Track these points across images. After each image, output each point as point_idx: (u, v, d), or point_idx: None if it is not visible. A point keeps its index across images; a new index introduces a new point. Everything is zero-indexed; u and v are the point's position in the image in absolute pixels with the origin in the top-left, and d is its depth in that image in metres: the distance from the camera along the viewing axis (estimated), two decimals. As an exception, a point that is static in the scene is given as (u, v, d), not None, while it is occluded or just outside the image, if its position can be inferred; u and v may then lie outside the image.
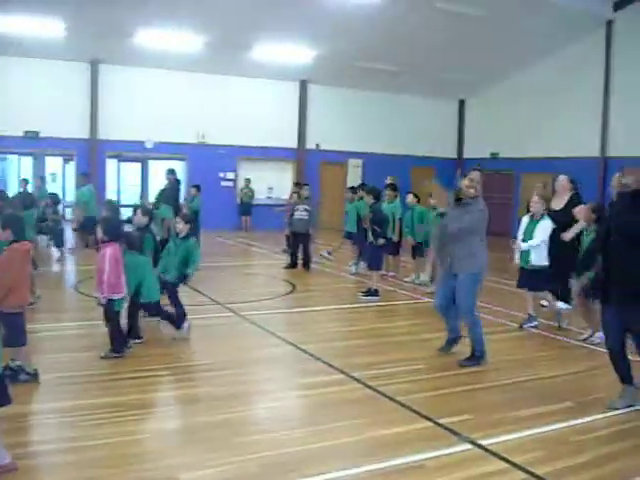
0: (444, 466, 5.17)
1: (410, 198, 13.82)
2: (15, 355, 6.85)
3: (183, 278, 9.05)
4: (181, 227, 9.25)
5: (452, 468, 5.14)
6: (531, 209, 10.01)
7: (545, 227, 9.83)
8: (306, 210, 15.34)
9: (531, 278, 9.89)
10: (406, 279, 13.94)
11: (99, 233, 7.92)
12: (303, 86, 25.81)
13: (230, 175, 25.04)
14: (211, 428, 5.89)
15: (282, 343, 8.85)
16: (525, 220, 10.10)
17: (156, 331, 9.04)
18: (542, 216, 9.93)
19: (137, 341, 8.49)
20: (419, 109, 27.22)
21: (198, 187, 17.51)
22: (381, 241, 12.14)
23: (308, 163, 25.94)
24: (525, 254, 9.89)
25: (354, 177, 25.42)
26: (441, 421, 6.08)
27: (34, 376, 6.90)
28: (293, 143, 25.91)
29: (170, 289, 9.05)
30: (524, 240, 9.88)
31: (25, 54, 21.01)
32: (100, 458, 5.20)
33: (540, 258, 9.77)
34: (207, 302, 11.23)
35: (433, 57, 22.82)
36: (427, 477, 4.99)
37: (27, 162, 25.02)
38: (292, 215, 15.56)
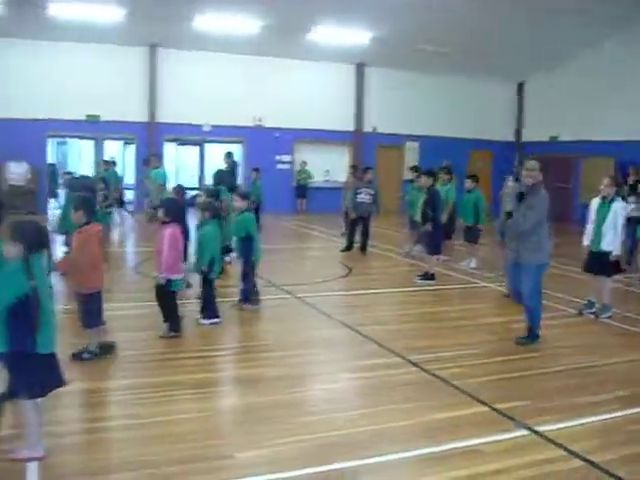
0: (500, 451, 5.16)
1: (468, 183, 13.69)
2: (92, 335, 7.08)
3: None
4: (239, 204, 9.42)
5: (508, 454, 5.13)
6: (602, 192, 9.73)
7: (619, 209, 9.59)
8: (369, 194, 15.32)
9: (598, 263, 9.69)
10: (462, 263, 13.83)
11: (160, 214, 8.06)
12: (360, 69, 25.67)
13: (286, 158, 25.12)
14: (268, 408, 5.98)
15: (339, 325, 8.91)
16: (596, 202, 9.82)
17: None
18: (613, 198, 9.66)
19: (216, 320, 8.69)
20: (477, 91, 26.77)
21: (258, 170, 17.66)
22: (428, 226, 12.09)
23: (364, 146, 25.85)
24: (596, 238, 9.64)
25: (411, 160, 25.24)
26: (497, 406, 6.06)
27: (97, 354, 7.09)
28: (350, 126, 25.82)
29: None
30: (597, 224, 9.63)
31: (85, 39, 21.34)
32: (159, 435, 5.35)
33: (610, 243, 9.55)
34: (264, 284, 11.32)
35: (491, 38, 22.41)
36: (483, 462, 4.98)
37: (88, 145, 25.47)
38: (354, 198, 15.54)
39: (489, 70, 25.77)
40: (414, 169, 15.72)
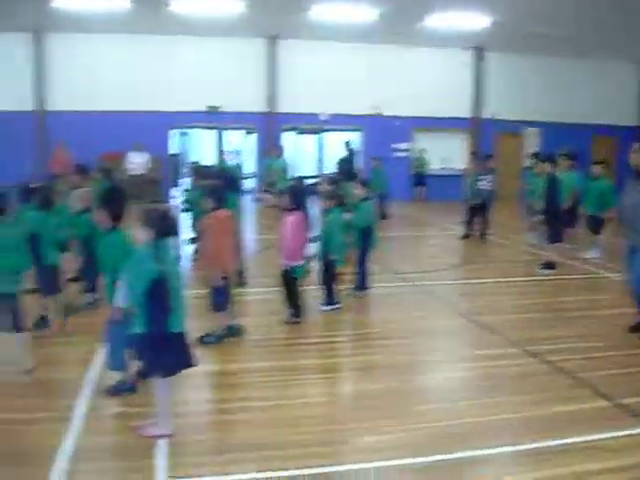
0: (622, 448, 5.04)
1: (597, 169, 13.23)
2: (221, 319, 7.43)
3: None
4: (358, 192, 9.56)
5: (631, 451, 5.01)
6: None
7: None
8: (490, 181, 15.20)
9: None
10: (584, 253, 13.41)
11: (285, 201, 8.23)
12: (478, 54, 25.19)
13: (404, 146, 25.03)
14: (384, 395, 6.08)
15: (456, 314, 8.89)
16: None
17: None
18: None
19: (336, 306, 8.93)
20: (600, 75, 25.72)
21: (378, 159, 17.76)
22: (540, 215, 11.87)
23: (483, 133, 25.43)
24: None
25: (530, 147, 24.62)
26: (620, 401, 5.92)
27: (221, 338, 7.39)
28: (468, 113, 25.45)
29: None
30: None
31: (206, 33, 21.98)
32: (281, 418, 5.56)
33: None
34: (382, 271, 11.41)
35: (616, 19, 21.51)
36: (603, 458, 4.89)
37: (209, 136, 26.14)
38: (474, 185, 15.39)
39: (612, 52, 24.71)
40: (534, 156, 15.38)
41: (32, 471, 4.65)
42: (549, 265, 11.74)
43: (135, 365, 5.63)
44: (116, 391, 5.90)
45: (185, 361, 5.17)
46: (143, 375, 5.22)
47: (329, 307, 8.93)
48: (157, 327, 4.91)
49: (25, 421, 5.44)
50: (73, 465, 4.70)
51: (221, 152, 20.28)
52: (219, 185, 7.95)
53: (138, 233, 4.94)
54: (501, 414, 5.63)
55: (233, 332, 7.53)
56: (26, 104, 21.95)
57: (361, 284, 9.65)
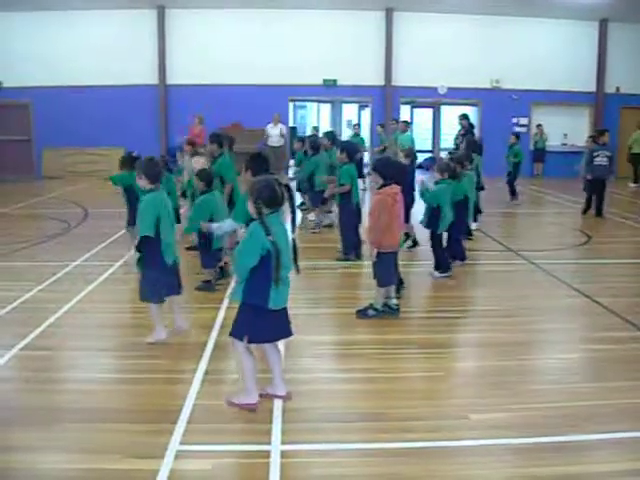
0: None
1: None
2: (379, 294, 7.46)
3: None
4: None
5: None
6: None
7: None
8: (606, 156, 14.72)
9: None
10: None
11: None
12: (602, 25, 24.13)
13: (523, 121, 24.39)
14: (501, 373, 5.99)
15: (575, 294, 8.63)
16: None
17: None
18: None
19: (446, 274, 9.24)
20: None
21: (517, 135, 17.50)
22: None
23: (606, 107, 24.45)
24: None
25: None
26: None
27: (381, 312, 7.45)
28: (590, 87, 24.48)
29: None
30: None
31: (323, 6, 22.06)
32: (396, 390, 5.58)
33: None
34: (500, 249, 11.22)
35: None
36: None
37: (325, 109, 26.32)
38: (591, 161, 14.90)
39: None
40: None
41: (151, 428, 4.85)
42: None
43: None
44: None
45: (276, 333, 5.20)
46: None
47: (439, 274, 9.24)
48: (255, 300, 4.94)
49: (148, 381, 5.69)
50: (190, 426, 4.87)
51: (355, 125, 20.19)
52: (389, 161, 7.88)
53: (249, 205, 4.96)
54: (617, 399, 5.43)
55: (393, 310, 7.53)
56: (150, 78, 22.69)
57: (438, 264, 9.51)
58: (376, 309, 7.42)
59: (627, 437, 4.80)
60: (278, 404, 5.20)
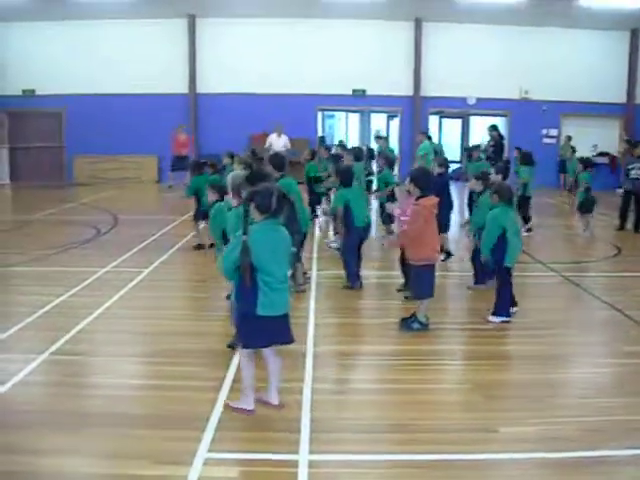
0: None
1: None
2: (420, 306, 7.41)
3: None
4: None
5: None
6: None
7: None
8: None
9: None
10: None
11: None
12: (633, 35, 23.85)
13: (553, 132, 24.23)
14: (530, 386, 5.94)
15: (606, 307, 8.53)
16: None
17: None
18: None
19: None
20: None
21: (519, 149, 17.38)
22: None
23: (637, 119, 24.20)
24: None
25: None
26: None
27: (425, 326, 7.37)
28: (621, 98, 24.24)
29: None
30: None
31: (352, 16, 22.11)
32: (421, 402, 5.57)
33: None
34: (529, 261, 11.13)
35: None
36: None
37: (354, 119, 26.35)
38: (627, 174, 14.76)
39: None
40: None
41: (179, 435, 4.87)
42: None
43: None
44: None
45: (271, 339, 5.14)
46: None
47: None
48: (244, 308, 4.98)
49: (177, 388, 5.72)
50: (218, 433, 4.88)
51: (385, 138, 20.01)
52: (426, 172, 7.78)
53: (254, 212, 4.95)
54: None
55: (419, 321, 7.40)
56: (181, 87, 22.91)
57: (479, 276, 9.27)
58: (421, 322, 7.36)
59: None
60: (306, 413, 5.20)
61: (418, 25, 23.11)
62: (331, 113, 27.65)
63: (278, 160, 8.71)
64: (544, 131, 24.01)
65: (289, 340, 5.22)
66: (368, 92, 23.33)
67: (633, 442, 4.86)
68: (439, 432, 4.99)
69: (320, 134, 23.10)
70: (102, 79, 22.38)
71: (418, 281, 7.36)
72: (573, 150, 17.21)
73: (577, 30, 23.14)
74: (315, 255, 11.18)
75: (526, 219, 13.47)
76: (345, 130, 28.31)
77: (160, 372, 6.04)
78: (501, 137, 17.44)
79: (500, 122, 22.55)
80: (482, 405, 5.57)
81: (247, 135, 21.84)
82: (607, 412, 5.39)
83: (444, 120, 25.70)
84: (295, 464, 4.47)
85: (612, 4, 21.22)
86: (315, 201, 13.90)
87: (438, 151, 16.99)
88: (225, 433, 4.89)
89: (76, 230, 13.60)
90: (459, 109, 24.15)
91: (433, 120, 24.51)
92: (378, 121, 26.59)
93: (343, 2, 20.82)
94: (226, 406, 5.25)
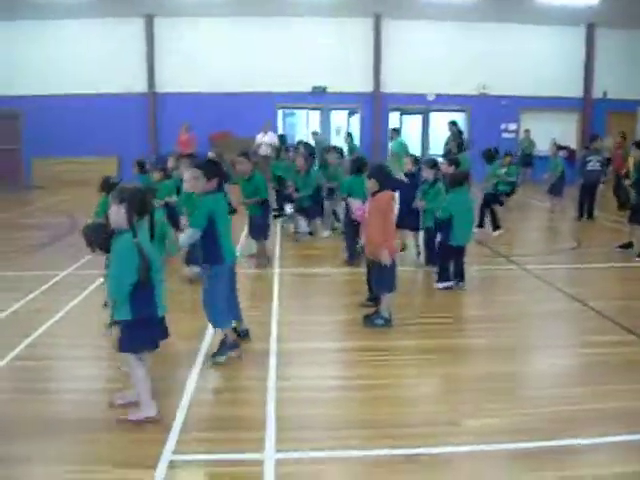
0: None
1: None
2: (384, 302, 7.44)
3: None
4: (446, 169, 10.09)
5: None
6: None
7: None
8: (598, 161, 15.22)
9: None
10: None
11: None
12: (589, 30, 24.24)
13: (512, 126, 24.49)
14: (494, 378, 5.98)
15: (567, 299, 8.64)
16: None
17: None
18: None
19: (448, 284, 9.05)
20: None
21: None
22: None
23: (594, 113, 24.57)
24: None
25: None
26: None
27: (389, 321, 7.39)
28: (578, 92, 24.60)
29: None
30: None
31: (310, 13, 22.14)
32: (387, 397, 5.57)
33: None
34: (490, 254, 11.24)
35: None
36: None
37: (314, 117, 26.29)
38: (584, 167, 15.27)
39: None
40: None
41: (144, 437, 4.82)
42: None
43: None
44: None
45: (154, 340, 5.13)
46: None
47: (442, 284, 9.02)
48: (147, 312, 4.92)
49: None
50: (183, 435, 4.85)
51: (348, 134, 20.02)
52: (384, 167, 7.77)
53: (117, 212, 4.82)
54: (612, 402, 5.43)
55: (383, 317, 7.45)
56: (140, 86, 22.70)
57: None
58: (384, 318, 7.39)
59: (622, 440, 4.80)
60: (271, 412, 5.18)
61: (377, 22, 23.21)
62: (291, 111, 27.58)
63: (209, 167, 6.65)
64: (503, 126, 24.25)
65: (169, 334, 5.25)
66: (328, 89, 23.35)
67: (598, 431, 4.92)
68: (404, 427, 5.00)
69: (281, 132, 23.00)
70: (59, 79, 22.07)
71: (379, 276, 7.38)
72: (560, 148, 17.38)
73: (534, 26, 23.46)
74: (277, 254, 11.18)
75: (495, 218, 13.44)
76: (306, 128, 28.23)
77: (123, 375, 5.97)
78: (460, 132, 17.58)
79: (460, 118, 22.73)
80: (447, 398, 5.60)
81: (207, 134, 21.72)
82: (571, 402, 5.45)
83: (404, 117, 25.74)
84: (262, 463, 4.45)
85: (567, 0, 21.50)
86: (283, 199, 13.81)
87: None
88: (190, 434, 4.86)
89: (35, 233, 13.40)
90: (419, 105, 24.26)
91: (393, 117, 24.58)
92: (338, 118, 26.56)
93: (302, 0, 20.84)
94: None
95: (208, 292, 6.23)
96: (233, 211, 10.70)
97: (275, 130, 23.05)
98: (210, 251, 6.10)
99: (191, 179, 6.27)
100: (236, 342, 6.41)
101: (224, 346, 6.30)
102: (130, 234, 4.75)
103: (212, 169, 6.22)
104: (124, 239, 4.78)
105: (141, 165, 12.09)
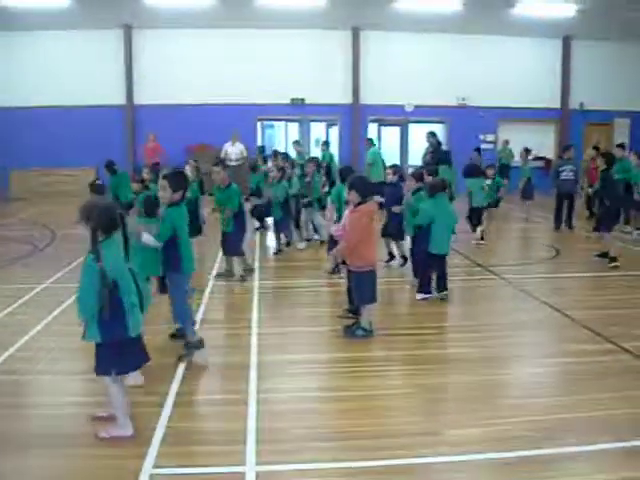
0: None
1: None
2: (364, 312, 7.44)
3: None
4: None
5: None
6: None
7: None
8: (572, 171, 15.33)
9: None
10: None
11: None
12: (566, 43, 24.51)
13: (490, 137, 24.64)
14: (474, 388, 6.01)
15: (546, 308, 8.69)
16: None
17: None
18: None
19: (427, 296, 9.05)
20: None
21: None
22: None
23: (571, 123, 24.80)
24: None
25: (621, 138, 23.88)
26: None
27: (370, 332, 7.41)
28: (555, 103, 24.84)
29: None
30: None
31: (289, 25, 22.15)
32: (369, 408, 5.58)
33: None
34: (469, 264, 11.29)
35: None
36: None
37: (293, 128, 26.31)
38: (557, 176, 15.40)
39: None
40: (619, 146, 15.17)
41: (124, 452, 4.78)
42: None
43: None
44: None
45: (135, 361, 5.11)
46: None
47: (421, 296, 9.03)
48: (117, 334, 4.79)
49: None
50: (163, 448, 4.82)
51: (325, 143, 20.00)
52: (363, 178, 7.78)
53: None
54: (594, 411, 5.46)
55: (363, 328, 7.47)
56: (118, 98, 22.60)
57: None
58: (364, 329, 7.39)
59: (603, 448, 4.83)
60: (252, 424, 5.16)
61: (356, 33, 23.30)
62: (270, 123, 27.58)
63: (176, 179, 6.59)
64: (481, 136, 24.39)
65: (149, 358, 5.21)
66: (307, 101, 23.40)
67: (579, 439, 4.94)
68: (386, 437, 5.00)
69: (260, 144, 23.01)
70: (37, 91, 21.90)
71: (360, 287, 7.39)
72: (527, 151, 17.65)
73: (512, 38, 23.67)
74: (257, 265, 11.15)
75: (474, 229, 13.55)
76: (285, 139, 28.22)
77: (102, 389, 5.90)
78: (439, 143, 17.70)
79: (439, 129, 22.82)
80: (428, 409, 5.62)
81: (184, 146, 21.65)
82: (551, 411, 5.48)
83: (383, 128, 25.83)
84: (243, 476, 4.43)
85: (545, 13, 21.74)
86: (260, 212, 13.76)
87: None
88: (171, 448, 4.82)
89: (13, 246, 13.28)
90: (398, 117, 24.35)
91: (372, 128, 24.66)
92: (317, 130, 26.60)
93: (280, 12, 20.85)
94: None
95: (172, 298, 6.66)
96: (199, 231, 10.83)
97: (255, 141, 23.08)
98: (170, 259, 6.40)
99: (160, 188, 6.47)
100: (202, 342, 6.61)
101: (190, 346, 6.57)
102: (94, 256, 4.60)
103: (178, 181, 6.44)
104: (88, 260, 4.63)
105: (110, 166, 12.06)
